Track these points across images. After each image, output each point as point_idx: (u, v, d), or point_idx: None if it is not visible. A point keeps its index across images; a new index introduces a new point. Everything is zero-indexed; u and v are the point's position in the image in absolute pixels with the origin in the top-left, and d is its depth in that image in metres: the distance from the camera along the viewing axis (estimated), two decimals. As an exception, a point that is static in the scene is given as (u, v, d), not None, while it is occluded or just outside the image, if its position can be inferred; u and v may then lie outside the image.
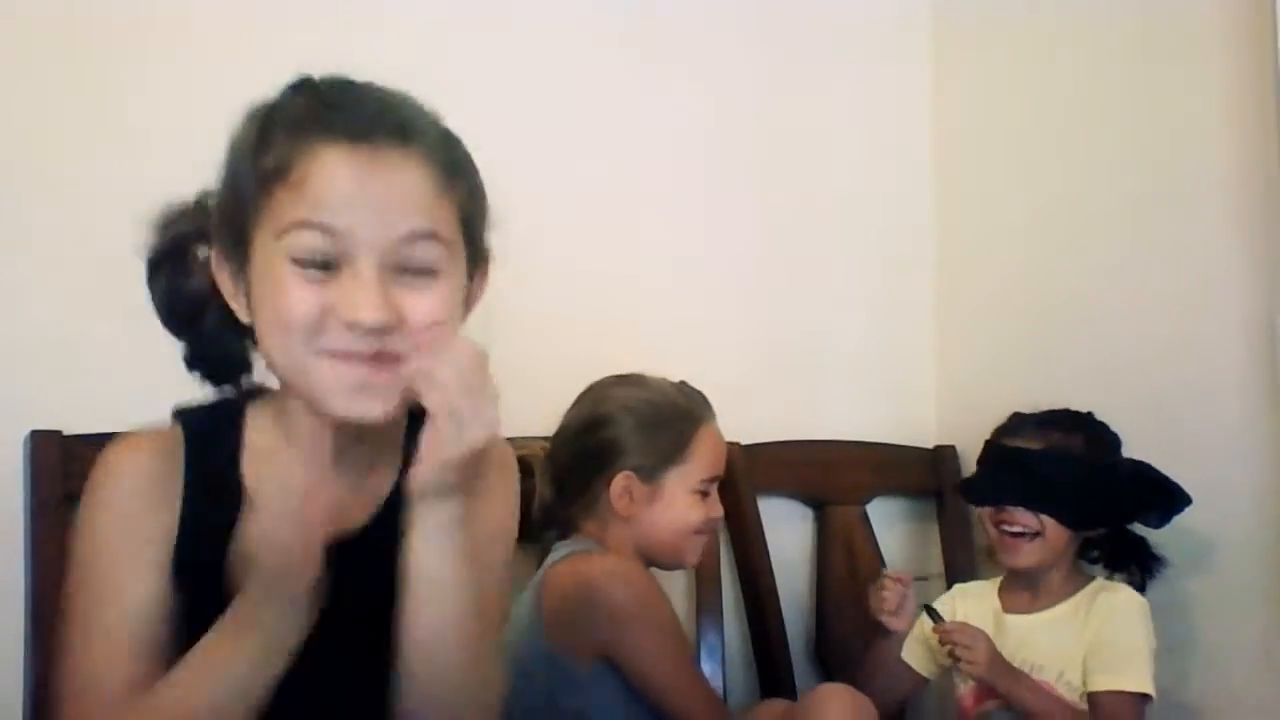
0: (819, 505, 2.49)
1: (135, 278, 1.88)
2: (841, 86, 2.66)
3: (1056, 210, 2.44)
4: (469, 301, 1.24)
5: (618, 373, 1.95)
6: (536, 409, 2.11)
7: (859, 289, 2.64)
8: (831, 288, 2.61)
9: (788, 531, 2.43)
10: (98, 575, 1.16)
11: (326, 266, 1.11)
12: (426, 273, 1.14)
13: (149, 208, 1.87)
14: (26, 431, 1.83)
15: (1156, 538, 2.06)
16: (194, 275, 1.23)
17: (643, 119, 2.40)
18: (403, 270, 1.12)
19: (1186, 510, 2.04)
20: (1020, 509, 2.00)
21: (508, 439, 1.93)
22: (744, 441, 2.30)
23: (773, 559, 2.34)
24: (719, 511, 1.94)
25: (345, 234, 1.10)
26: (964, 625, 1.96)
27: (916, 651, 2.11)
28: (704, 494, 1.89)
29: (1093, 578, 2.06)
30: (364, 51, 2.03)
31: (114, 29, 1.96)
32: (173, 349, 1.86)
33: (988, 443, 2.12)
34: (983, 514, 2.09)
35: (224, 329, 1.22)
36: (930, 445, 2.63)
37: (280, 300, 1.11)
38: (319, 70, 1.57)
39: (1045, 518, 1.99)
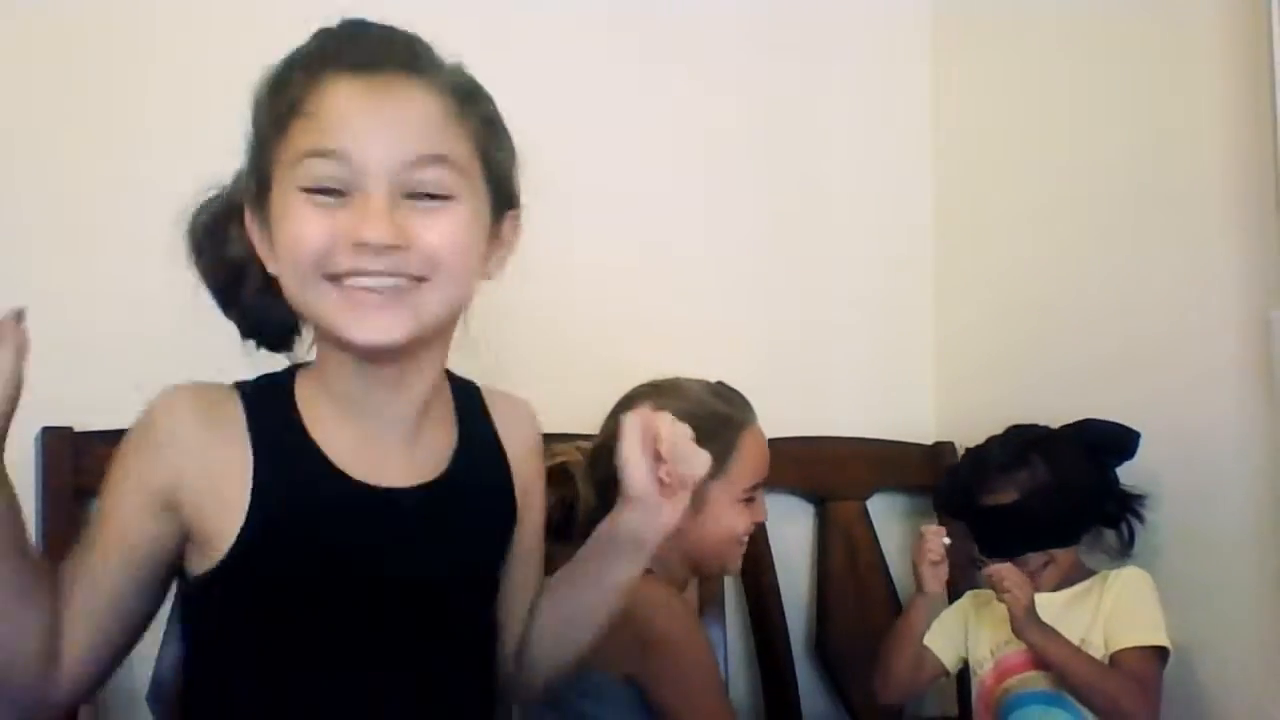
0: (820, 500, 2.52)
1: (146, 275, 1.92)
2: (842, 86, 2.68)
3: (1053, 209, 2.46)
4: (497, 243, 1.27)
5: (652, 380, 1.91)
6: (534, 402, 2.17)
7: (859, 287, 2.66)
8: (831, 286, 2.63)
9: (789, 527, 2.45)
10: (103, 512, 1.22)
11: (338, 194, 1.12)
12: (438, 198, 1.15)
13: (152, 204, 1.95)
14: (38, 428, 1.85)
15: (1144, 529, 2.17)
16: (230, 245, 1.25)
17: (642, 118, 2.42)
18: (414, 195, 1.14)
19: (1183, 506, 2.14)
20: (1028, 555, 2.08)
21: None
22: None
23: (774, 554, 2.36)
24: (764, 515, 1.92)
25: (355, 160, 1.11)
26: (1013, 569, 2.00)
27: (939, 641, 2.15)
28: (749, 500, 1.86)
29: (1094, 571, 2.12)
30: None
31: (113, 26, 1.98)
32: (186, 345, 1.87)
33: (961, 497, 2.16)
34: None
35: (265, 293, 1.23)
36: (929, 441, 2.65)
37: (291, 228, 1.13)
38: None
39: (1051, 550, 2.09)
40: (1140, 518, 2.15)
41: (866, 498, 2.55)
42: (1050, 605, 2.02)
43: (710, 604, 2.24)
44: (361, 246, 1.11)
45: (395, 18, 2.11)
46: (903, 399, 2.68)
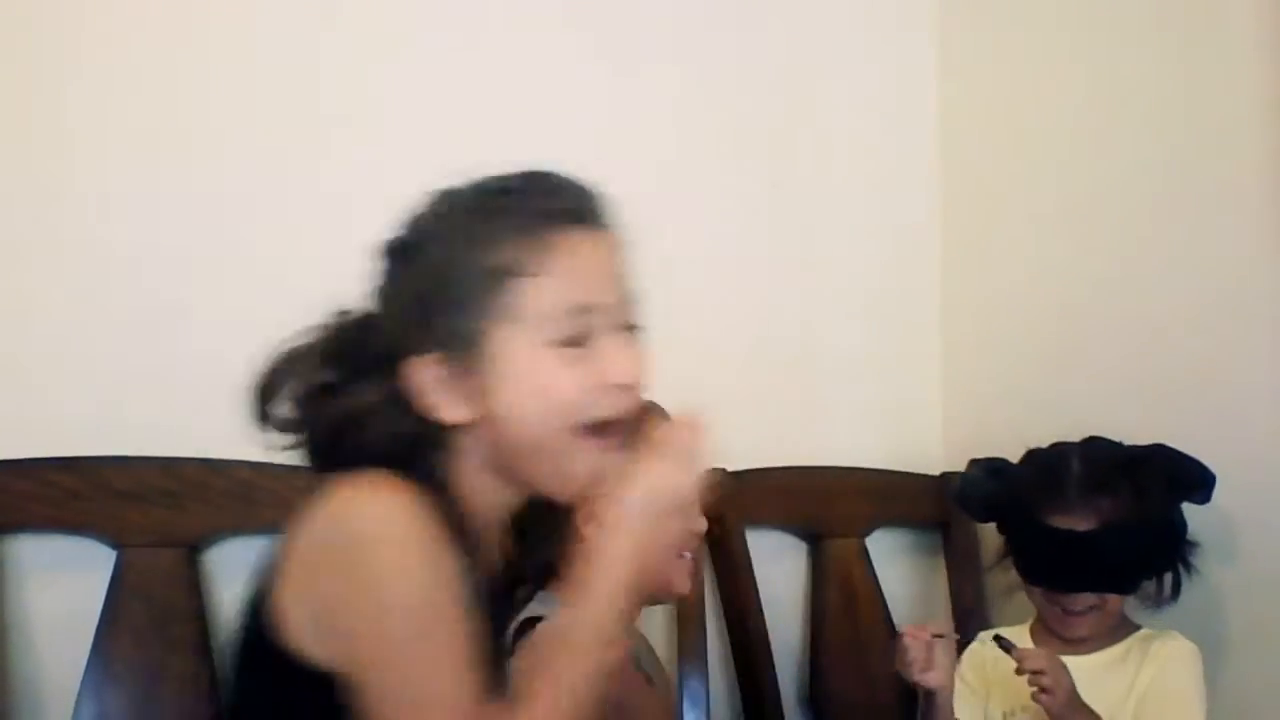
0: (814, 538, 2.51)
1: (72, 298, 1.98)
2: (841, 77, 2.70)
3: (1072, 211, 2.49)
4: None
5: None
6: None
7: (857, 299, 2.68)
8: (827, 297, 2.65)
9: (779, 567, 2.45)
10: (424, 605, 1.23)
11: (581, 345, 1.29)
12: (635, 329, 1.35)
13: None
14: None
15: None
16: (354, 395, 1.34)
17: (624, 112, 2.44)
18: (625, 330, 1.34)
19: (1217, 539, 2.13)
20: (1084, 593, 2.06)
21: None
22: (731, 468, 2.30)
23: (762, 598, 2.36)
24: (701, 525, 1.91)
25: (598, 310, 1.30)
26: (1045, 652, 1.98)
27: (965, 707, 2.11)
28: None
29: (1139, 626, 2.12)
30: (343, 53, 2.18)
31: (120, 33, 2.05)
32: (112, 371, 2.01)
33: (1021, 510, 2.13)
34: (1033, 590, 2.13)
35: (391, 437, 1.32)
36: (936, 472, 2.65)
37: (549, 384, 1.29)
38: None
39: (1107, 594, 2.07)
40: (1190, 567, 2.12)
41: (866, 534, 2.55)
42: (1083, 670, 1.99)
43: (691, 653, 2.25)
44: (625, 387, 1.31)
45: (378, 17, 2.19)
46: (906, 424, 2.70)
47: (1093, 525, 2.03)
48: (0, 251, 1.96)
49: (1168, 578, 2.11)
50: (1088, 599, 2.05)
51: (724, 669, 2.38)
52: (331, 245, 2.10)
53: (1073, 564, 2.04)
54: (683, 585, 1.91)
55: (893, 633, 2.47)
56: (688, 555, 1.89)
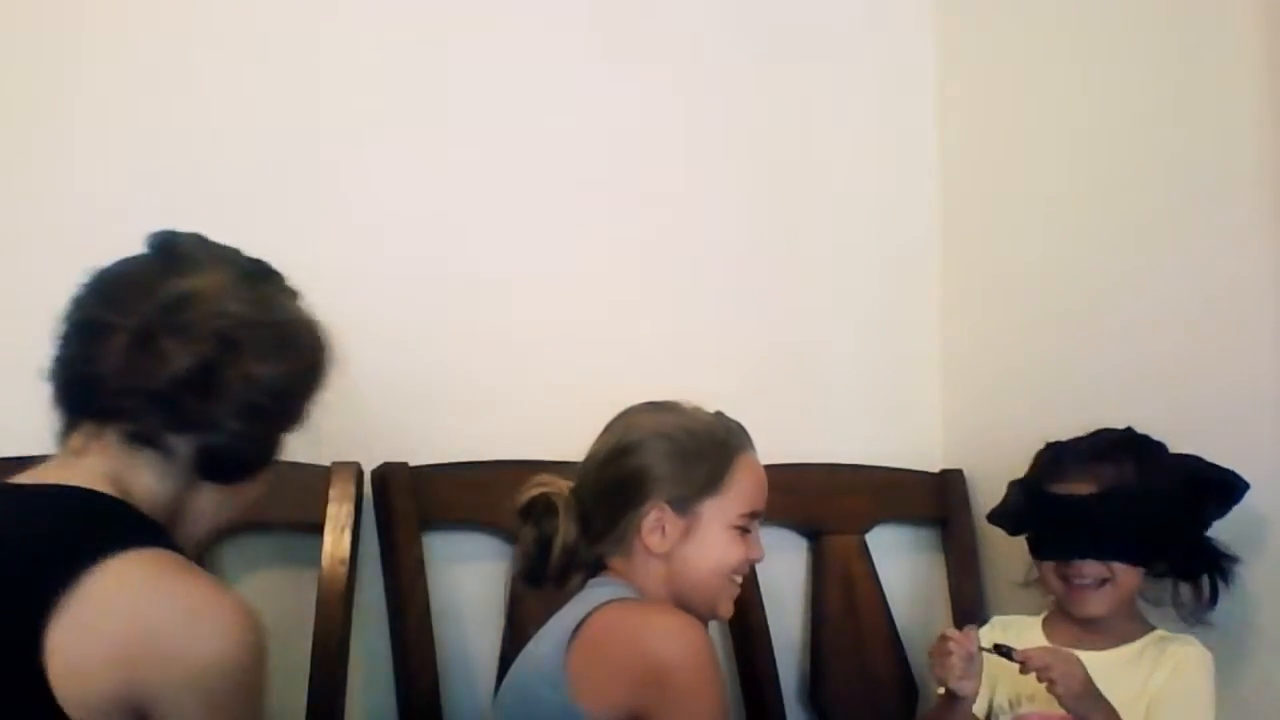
0: (814, 535, 2.53)
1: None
2: (840, 77, 2.71)
3: (1071, 212, 2.48)
4: None
5: (650, 400, 1.92)
6: (495, 427, 2.23)
7: (857, 297, 2.69)
8: (827, 295, 2.66)
9: (780, 563, 2.46)
10: None
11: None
12: None
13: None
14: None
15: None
16: None
17: (620, 113, 2.45)
18: None
19: (1220, 537, 2.11)
20: (1089, 560, 2.07)
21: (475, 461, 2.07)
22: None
23: (763, 593, 2.37)
24: (760, 553, 1.90)
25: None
26: (1052, 649, 2.00)
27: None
28: (743, 531, 1.86)
29: (1153, 627, 2.12)
30: (346, 53, 2.20)
31: (95, 35, 2.05)
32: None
33: (1028, 485, 2.16)
34: (1043, 566, 2.14)
35: None
36: (936, 469, 2.67)
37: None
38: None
39: (1116, 564, 2.07)
40: (1226, 578, 2.11)
41: (866, 531, 2.56)
42: (1097, 666, 1.99)
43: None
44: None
45: (366, 17, 2.21)
46: (906, 421, 2.71)
47: (1093, 489, 2.05)
48: (0, 251, 1.96)
49: (1205, 585, 2.10)
50: (1095, 569, 2.05)
51: (726, 664, 2.39)
52: (331, 245, 2.16)
53: (1073, 529, 2.06)
54: (727, 609, 1.90)
55: (893, 628, 2.53)
56: (738, 580, 1.88)
